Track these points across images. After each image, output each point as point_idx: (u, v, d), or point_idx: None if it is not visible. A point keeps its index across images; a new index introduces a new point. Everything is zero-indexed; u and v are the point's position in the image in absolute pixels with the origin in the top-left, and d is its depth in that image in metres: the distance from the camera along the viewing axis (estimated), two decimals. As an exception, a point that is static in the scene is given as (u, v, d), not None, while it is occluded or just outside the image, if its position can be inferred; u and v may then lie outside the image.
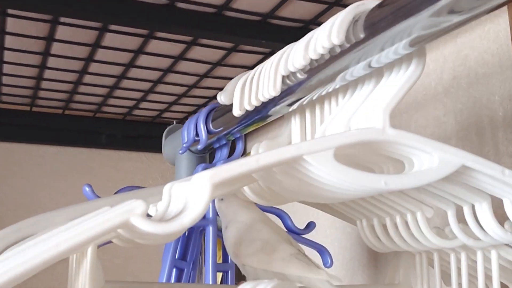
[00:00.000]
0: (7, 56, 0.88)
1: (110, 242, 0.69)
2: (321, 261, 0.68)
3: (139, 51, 0.86)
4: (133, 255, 1.32)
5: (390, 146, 0.40)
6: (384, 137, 0.39)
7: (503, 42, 0.68)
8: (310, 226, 0.68)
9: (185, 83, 1.01)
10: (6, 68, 0.94)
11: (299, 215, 0.90)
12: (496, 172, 0.40)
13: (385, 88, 0.42)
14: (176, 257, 0.65)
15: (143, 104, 1.15)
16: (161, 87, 1.04)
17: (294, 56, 0.45)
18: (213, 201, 0.67)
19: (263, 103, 0.53)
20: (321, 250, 0.67)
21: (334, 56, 0.43)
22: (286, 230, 0.68)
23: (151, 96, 1.10)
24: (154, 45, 0.84)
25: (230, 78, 0.57)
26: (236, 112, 0.54)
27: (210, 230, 0.63)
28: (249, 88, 0.52)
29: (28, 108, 1.18)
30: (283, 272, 0.48)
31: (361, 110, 0.43)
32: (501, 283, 0.55)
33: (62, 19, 0.75)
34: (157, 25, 0.73)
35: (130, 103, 1.14)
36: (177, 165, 0.74)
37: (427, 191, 0.47)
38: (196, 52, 0.87)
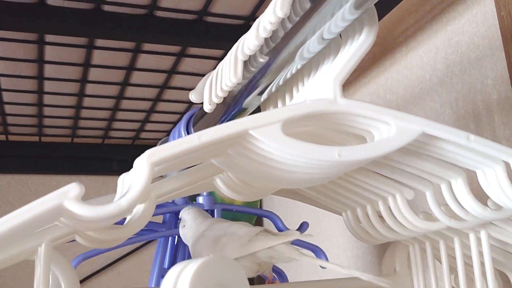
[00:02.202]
0: (4, 82, 0.89)
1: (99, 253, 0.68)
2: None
3: (130, 67, 0.86)
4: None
5: (344, 119, 0.38)
6: (336, 107, 0.37)
7: (491, 24, 0.65)
8: (303, 226, 0.66)
9: (184, 99, 1.01)
10: (6, 96, 0.95)
11: (315, 226, 0.87)
12: (460, 138, 0.37)
13: (338, 60, 0.40)
14: (166, 266, 0.64)
15: (149, 126, 1.15)
16: (161, 106, 1.04)
17: (248, 39, 0.44)
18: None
19: (233, 96, 0.52)
20: (315, 250, 0.64)
21: (287, 33, 0.42)
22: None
23: (154, 116, 1.09)
24: (143, 60, 0.84)
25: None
26: (206, 107, 0.53)
27: (197, 236, 0.61)
28: (215, 81, 0.51)
29: (37, 138, 1.19)
30: (252, 251, 0.46)
31: (315, 85, 0.41)
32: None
33: (48, 38, 0.76)
34: (139, 36, 0.73)
35: (135, 125, 1.14)
36: (168, 176, 0.73)
37: (402, 171, 0.44)
38: (187, 64, 0.86)
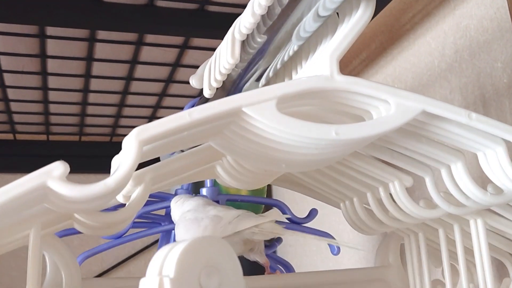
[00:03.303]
0: (8, 79, 0.89)
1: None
2: (329, 249, 0.64)
3: (134, 61, 0.85)
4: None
5: (342, 97, 0.36)
6: (333, 84, 0.35)
7: (499, 5, 0.63)
8: (312, 214, 0.64)
9: (189, 93, 1.00)
10: (11, 93, 0.95)
11: (325, 221, 0.85)
12: (461, 117, 0.36)
13: (334, 36, 0.38)
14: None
15: (156, 122, 1.14)
16: (167, 101, 1.03)
17: (244, 17, 0.43)
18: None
19: (232, 81, 0.51)
20: (325, 236, 0.63)
21: (283, 9, 0.40)
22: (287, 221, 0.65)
23: (161, 112, 1.08)
24: (147, 53, 0.83)
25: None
26: (206, 92, 0.52)
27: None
28: (214, 65, 0.50)
29: (45, 137, 1.19)
30: (235, 231, 0.46)
31: (311, 64, 0.39)
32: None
33: (49, 32, 0.75)
34: (141, 27, 0.71)
35: (143, 122, 1.13)
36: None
37: (401, 156, 0.43)
38: (191, 56, 0.85)
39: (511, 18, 0.61)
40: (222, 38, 0.77)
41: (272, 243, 0.69)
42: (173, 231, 0.64)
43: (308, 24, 0.40)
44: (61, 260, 0.50)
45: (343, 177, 0.48)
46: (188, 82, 0.93)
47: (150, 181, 0.41)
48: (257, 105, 0.34)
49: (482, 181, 0.42)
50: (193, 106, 0.64)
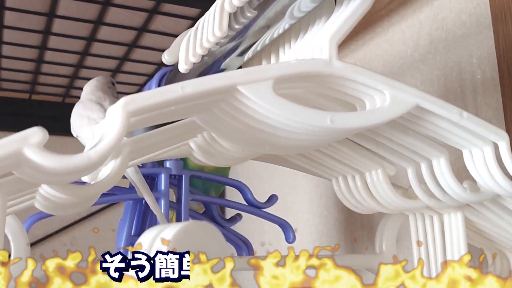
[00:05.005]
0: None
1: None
2: (284, 236, 0.63)
3: (99, 21, 0.80)
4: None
5: (338, 83, 0.35)
6: (331, 69, 0.34)
7: (480, 0, 0.63)
8: (272, 199, 0.63)
9: (153, 60, 0.96)
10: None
11: (281, 202, 0.84)
12: (453, 114, 0.36)
13: (333, 20, 0.37)
14: (132, 233, 0.60)
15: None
16: (128, 66, 0.99)
17: (238, -11, 0.40)
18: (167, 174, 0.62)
19: (211, 55, 0.49)
20: (283, 225, 0.62)
21: (279, -15, 0.39)
22: (246, 203, 0.63)
23: (120, 77, 1.04)
24: (113, 14, 0.79)
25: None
26: (182, 67, 0.49)
27: (162, 203, 0.58)
28: (194, 38, 0.47)
29: (27, 96, 1.13)
30: None
31: (307, 45, 0.38)
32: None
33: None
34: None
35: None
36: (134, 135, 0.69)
37: (386, 147, 0.42)
38: (160, 22, 0.82)
39: (491, 15, 0.61)
40: (196, 6, 0.74)
41: (234, 218, 0.68)
42: (138, 203, 0.62)
43: (304, 3, 0.38)
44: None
45: (330, 159, 0.47)
46: (153, 49, 0.90)
47: (128, 155, 0.38)
48: (253, 85, 0.33)
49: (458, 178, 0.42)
50: (164, 75, 0.61)
